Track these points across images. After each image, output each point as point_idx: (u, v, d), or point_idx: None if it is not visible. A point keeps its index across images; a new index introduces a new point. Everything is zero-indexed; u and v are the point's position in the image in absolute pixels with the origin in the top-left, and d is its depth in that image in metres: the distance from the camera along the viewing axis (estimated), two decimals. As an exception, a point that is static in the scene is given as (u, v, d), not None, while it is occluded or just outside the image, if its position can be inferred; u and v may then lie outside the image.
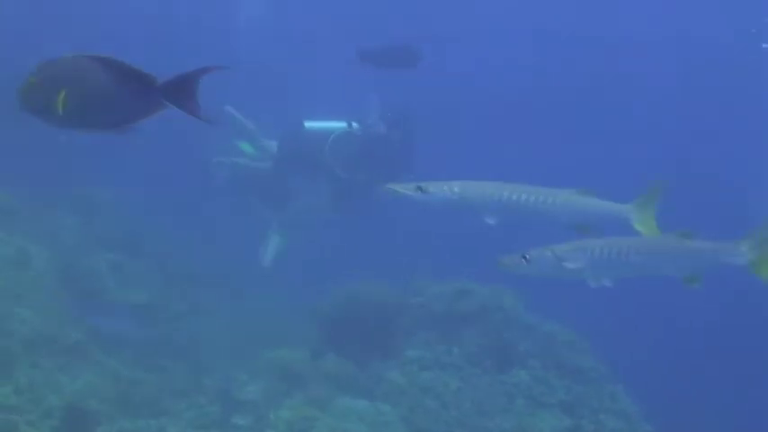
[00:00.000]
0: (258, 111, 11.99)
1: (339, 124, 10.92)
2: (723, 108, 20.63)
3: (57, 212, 10.99)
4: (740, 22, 18.33)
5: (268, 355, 9.34)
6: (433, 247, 13.57)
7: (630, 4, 21.46)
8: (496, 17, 21.17)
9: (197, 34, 18.60)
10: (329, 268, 12.24)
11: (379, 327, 9.81)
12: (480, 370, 9.53)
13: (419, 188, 6.02)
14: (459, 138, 17.83)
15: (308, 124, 10.98)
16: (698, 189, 15.71)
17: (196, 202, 12.52)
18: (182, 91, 3.50)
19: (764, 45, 11.93)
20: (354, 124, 10.81)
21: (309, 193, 11.38)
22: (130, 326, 9.20)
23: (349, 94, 11.33)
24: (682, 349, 13.52)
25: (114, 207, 11.75)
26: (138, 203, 12.25)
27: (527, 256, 5.47)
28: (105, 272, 10.04)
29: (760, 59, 18.48)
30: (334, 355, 9.19)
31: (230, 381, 9.16)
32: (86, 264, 9.98)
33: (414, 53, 10.16)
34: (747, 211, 12.88)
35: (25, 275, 9.07)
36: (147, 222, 12.18)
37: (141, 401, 8.44)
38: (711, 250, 5.60)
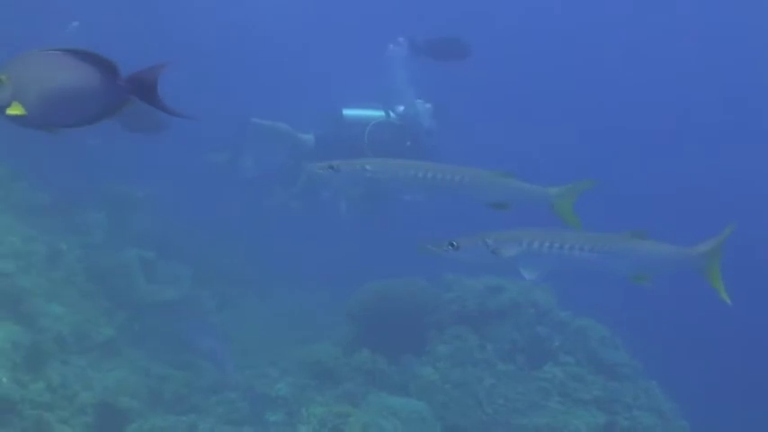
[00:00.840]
0: (296, 103, 11.98)
1: (377, 113, 10.97)
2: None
3: (88, 210, 10.98)
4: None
5: (299, 350, 9.30)
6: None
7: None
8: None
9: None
10: (358, 264, 12.20)
11: (410, 322, 9.75)
12: (513, 366, 9.45)
13: (332, 167, 5.90)
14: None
15: (347, 112, 11.03)
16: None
17: (226, 198, 12.50)
18: (146, 85, 3.42)
19: None
20: (392, 114, 10.88)
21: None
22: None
23: (386, 85, 11.35)
24: (717, 344, 13.39)
25: (145, 204, 11.73)
26: (168, 201, 12.25)
27: (455, 243, 5.32)
28: (136, 269, 10.01)
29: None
30: (367, 350, 9.11)
31: (261, 377, 9.13)
32: (117, 261, 9.97)
33: (464, 46, 10.10)
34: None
35: (57, 273, 9.08)
36: (178, 219, 12.17)
37: (172, 398, 8.44)
38: (666, 254, 5.49)
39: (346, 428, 7.44)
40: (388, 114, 10.91)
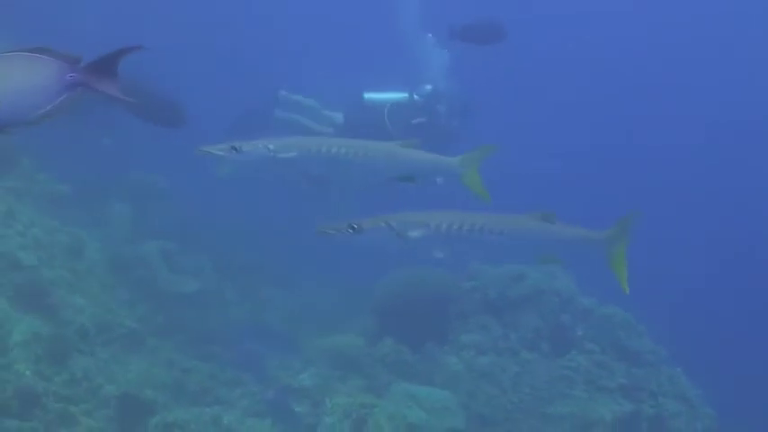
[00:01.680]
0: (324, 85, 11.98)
1: (400, 95, 11.03)
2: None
3: (110, 201, 10.98)
4: None
5: (322, 341, 9.27)
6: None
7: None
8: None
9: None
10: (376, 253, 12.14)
11: (433, 311, 9.72)
12: (537, 354, 9.40)
13: (233, 148, 5.78)
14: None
15: (368, 95, 11.10)
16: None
17: (249, 191, 12.48)
18: (103, 73, 3.35)
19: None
20: (416, 96, 10.92)
21: None
22: None
23: (412, 69, 11.43)
24: (742, 330, 13.31)
25: (167, 196, 11.72)
26: (190, 192, 12.23)
27: (355, 226, 5.10)
28: (158, 260, 10.00)
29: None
30: (390, 340, 9.07)
31: (284, 368, 9.10)
32: (139, 252, 9.96)
33: (499, 29, 10.02)
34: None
35: (79, 264, 9.06)
36: (200, 211, 12.15)
37: (195, 390, 8.41)
38: (572, 237, 5.43)
39: (371, 419, 7.40)
40: (411, 96, 10.94)
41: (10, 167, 9.61)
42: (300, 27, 19.01)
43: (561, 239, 5.40)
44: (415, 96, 10.95)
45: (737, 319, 13.51)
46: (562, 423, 8.58)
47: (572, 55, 21.26)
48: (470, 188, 5.90)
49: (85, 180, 10.87)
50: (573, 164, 18.88)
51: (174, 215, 11.58)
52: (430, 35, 11.42)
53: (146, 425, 7.18)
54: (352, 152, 5.80)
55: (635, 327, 9.86)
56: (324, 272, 11.81)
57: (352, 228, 5.05)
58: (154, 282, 9.83)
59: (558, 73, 21.03)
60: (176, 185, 12.04)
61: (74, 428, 6.83)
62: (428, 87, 10.91)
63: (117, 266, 9.66)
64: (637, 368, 9.50)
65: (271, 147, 5.79)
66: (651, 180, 19.20)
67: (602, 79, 21.82)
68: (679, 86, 21.79)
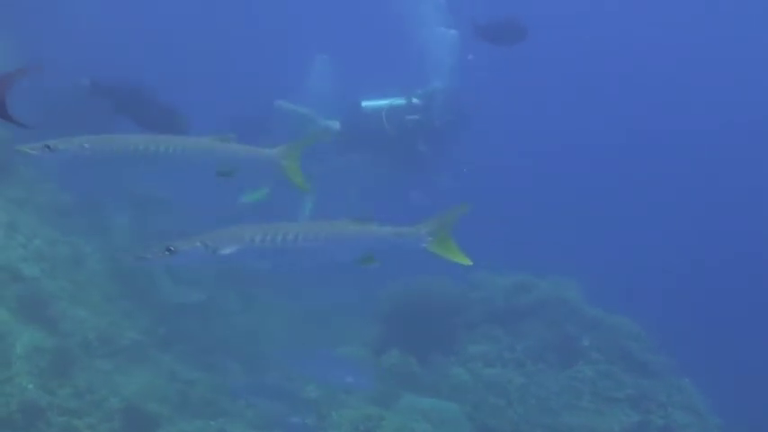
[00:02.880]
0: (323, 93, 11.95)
1: (398, 101, 11.05)
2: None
3: (111, 211, 10.89)
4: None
5: (328, 352, 9.18)
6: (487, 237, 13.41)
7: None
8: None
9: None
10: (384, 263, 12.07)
11: (439, 322, 9.65)
12: (544, 365, 9.33)
13: (47, 147, 5.62)
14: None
15: (366, 103, 11.15)
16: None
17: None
18: None
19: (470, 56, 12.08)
20: (415, 99, 10.94)
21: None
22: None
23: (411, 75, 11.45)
24: (751, 340, 13.23)
25: (168, 205, 11.63)
26: (190, 201, 12.14)
27: (171, 248, 4.96)
28: (159, 271, 9.91)
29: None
30: (397, 351, 8.99)
31: (290, 379, 9.01)
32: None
33: (521, 29, 9.94)
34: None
35: (80, 275, 8.97)
36: (201, 220, 12.05)
37: (199, 402, 8.31)
38: (390, 235, 5.38)
39: (378, 432, 7.33)
40: (409, 100, 10.96)
41: (11, 177, 9.52)
42: (299, 31, 18.92)
43: (380, 239, 5.34)
44: (414, 100, 10.97)
45: (743, 326, 13.44)
46: (570, 435, 8.50)
47: (577, 54, 21.22)
48: (291, 180, 5.77)
49: (88, 190, 10.78)
50: (575, 163, 18.83)
51: (175, 225, 11.48)
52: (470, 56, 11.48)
53: (150, 438, 7.12)
54: (170, 150, 5.60)
55: (642, 337, 9.79)
56: (327, 280, 11.72)
57: (168, 250, 4.97)
58: (156, 292, 9.74)
59: (566, 71, 20.97)
60: (177, 195, 11.94)
61: (77, 442, 6.77)
62: (436, 84, 10.93)
63: (119, 277, 9.56)
64: (644, 378, 9.43)
65: (87, 146, 5.59)
66: (652, 181, 19.20)
67: (603, 79, 21.81)
68: (680, 86, 21.76)
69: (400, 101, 11.05)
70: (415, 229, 5.32)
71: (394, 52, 12.72)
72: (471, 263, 5.27)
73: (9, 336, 7.06)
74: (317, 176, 11.25)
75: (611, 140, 20.22)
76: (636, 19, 22.60)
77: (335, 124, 11.40)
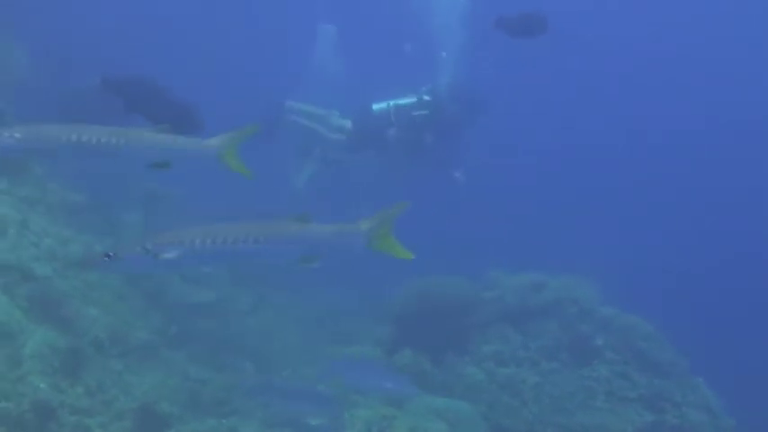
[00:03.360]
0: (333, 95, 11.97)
1: (408, 100, 11.17)
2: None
3: (122, 209, 10.86)
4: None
5: (339, 351, 9.14)
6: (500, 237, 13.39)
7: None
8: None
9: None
10: (389, 261, 12.04)
11: (452, 321, 9.60)
12: (558, 364, 9.29)
13: None
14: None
15: (377, 107, 11.25)
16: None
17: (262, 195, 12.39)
18: None
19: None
20: (426, 97, 11.06)
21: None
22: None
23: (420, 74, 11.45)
24: (765, 339, 13.17)
25: (180, 203, 11.60)
26: (203, 199, 12.10)
27: (111, 254, 4.98)
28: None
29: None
30: (409, 350, 8.94)
31: (301, 379, 8.97)
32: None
33: (542, 22, 9.87)
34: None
35: (92, 275, 8.92)
36: (214, 218, 12.01)
37: (211, 401, 8.27)
38: (330, 233, 5.33)
39: (391, 431, 7.27)
40: (420, 97, 11.06)
41: (23, 176, 9.49)
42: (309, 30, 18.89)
43: (321, 238, 5.31)
44: (425, 97, 11.06)
45: (757, 326, 13.37)
46: (585, 435, 8.45)
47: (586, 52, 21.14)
48: (232, 170, 5.71)
49: (99, 188, 10.75)
50: (587, 162, 18.77)
51: (187, 223, 11.44)
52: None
53: (162, 437, 7.08)
54: (104, 140, 5.49)
55: (656, 336, 9.74)
56: (339, 278, 11.69)
57: (108, 256, 4.93)
58: (167, 292, 9.70)
59: (575, 68, 20.90)
60: (190, 193, 11.91)
61: (89, 442, 6.74)
62: (442, 79, 10.97)
63: (130, 276, 9.52)
64: (658, 378, 9.39)
65: (18, 135, 5.49)
66: (666, 179, 19.13)
67: (611, 77, 21.74)
68: (683, 86, 21.69)
69: (409, 99, 11.12)
70: (354, 227, 5.29)
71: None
72: (413, 256, 5.23)
73: (21, 335, 7.02)
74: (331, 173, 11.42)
75: (622, 139, 20.15)
76: (644, 16, 22.52)
77: (347, 123, 11.43)
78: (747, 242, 17.05)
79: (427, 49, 11.95)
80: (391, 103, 11.18)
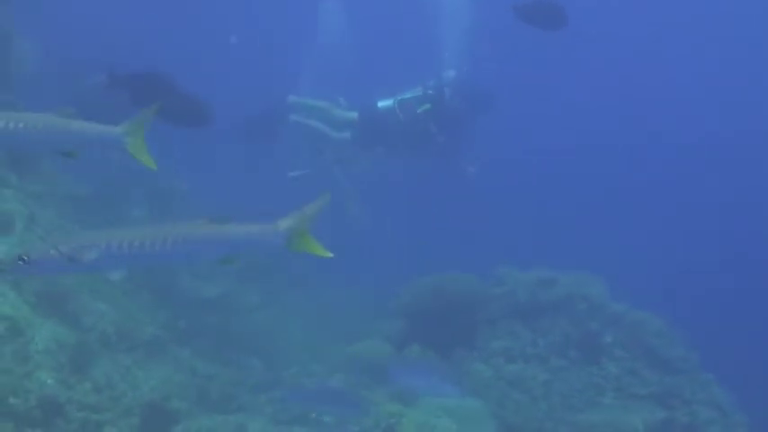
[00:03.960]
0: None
1: (413, 94, 11.22)
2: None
3: (130, 203, 10.84)
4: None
5: (348, 347, 9.10)
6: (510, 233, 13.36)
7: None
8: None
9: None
10: (397, 256, 12.06)
11: (461, 317, 9.56)
12: (567, 361, 9.24)
13: None
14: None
15: (382, 103, 11.26)
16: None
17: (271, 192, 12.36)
18: None
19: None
20: (430, 91, 11.06)
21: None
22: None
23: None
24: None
25: (187, 197, 11.58)
26: (211, 193, 12.09)
27: (25, 258, 4.84)
28: (177, 265, 9.85)
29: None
30: (417, 346, 8.90)
31: (309, 375, 8.94)
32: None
33: (562, 15, 9.78)
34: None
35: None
36: (221, 212, 11.98)
37: (219, 397, 8.26)
38: (247, 234, 5.27)
39: (400, 428, 7.23)
40: (425, 91, 11.07)
41: (30, 170, 9.46)
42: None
43: (236, 239, 5.25)
44: (430, 92, 11.05)
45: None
46: (594, 432, 8.39)
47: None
48: (135, 157, 5.62)
49: (107, 181, 10.73)
50: (596, 159, 18.71)
51: (195, 217, 11.40)
52: None
53: (170, 433, 7.05)
54: (8, 125, 5.44)
55: (667, 333, 9.69)
56: (347, 273, 11.66)
57: (21, 259, 4.85)
58: (175, 287, 9.68)
59: (584, 66, 20.84)
60: (197, 187, 11.89)
61: (97, 438, 6.71)
62: (449, 73, 10.93)
63: (137, 271, 9.50)
64: (668, 375, 9.33)
65: None
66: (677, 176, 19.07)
67: (619, 76, 21.67)
68: (696, 83, 21.61)
69: (415, 93, 11.15)
70: (272, 226, 5.22)
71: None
72: (332, 255, 5.16)
73: (29, 330, 6.99)
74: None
75: (632, 136, 20.08)
76: (658, 10, 22.42)
77: (354, 114, 11.41)
78: (760, 238, 16.97)
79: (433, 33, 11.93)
80: (398, 97, 11.20)
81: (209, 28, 18.91)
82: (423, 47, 12.51)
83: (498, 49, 11.84)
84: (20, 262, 4.86)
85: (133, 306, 8.89)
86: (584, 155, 18.50)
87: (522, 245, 12.33)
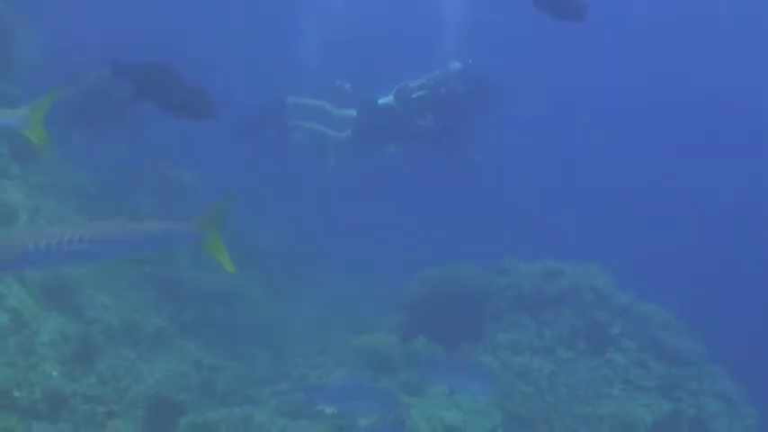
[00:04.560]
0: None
1: (416, 82, 11.09)
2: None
3: (134, 195, 10.82)
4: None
5: (354, 339, 9.06)
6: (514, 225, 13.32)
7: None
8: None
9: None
10: (403, 248, 12.03)
11: (466, 309, 9.51)
12: (574, 353, 9.18)
13: None
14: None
15: (383, 101, 11.14)
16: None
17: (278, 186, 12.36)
18: None
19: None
20: (431, 82, 10.97)
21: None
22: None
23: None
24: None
25: (193, 189, 11.55)
26: (215, 186, 12.06)
27: None
28: (182, 257, 9.83)
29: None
30: (423, 339, 8.86)
31: (315, 367, 8.91)
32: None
33: (582, 6, 9.70)
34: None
35: (105, 262, 8.87)
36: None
37: (225, 390, 8.22)
38: (165, 231, 5.21)
39: (407, 420, 7.19)
40: (428, 80, 10.98)
41: (34, 162, 9.44)
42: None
43: (151, 237, 5.19)
44: (431, 82, 10.98)
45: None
46: (601, 424, 8.33)
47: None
48: (32, 140, 5.51)
49: (112, 173, 10.72)
50: (606, 152, 18.69)
51: (199, 210, 11.37)
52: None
53: (175, 426, 7.01)
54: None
55: (675, 324, 9.62)
56: (352, 266, 11.64)
57: None
58: (180, 279, 9.64)
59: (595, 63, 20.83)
60: (202, 179, 11.87)
61: (102, 430, 6.68)
62: (455, 65, 10.88)
63: (142, 264, 9.47)
64: (676, 367, 9.26)
65: None
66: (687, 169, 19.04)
67: (628, 75, 21.65)
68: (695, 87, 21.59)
69: (417, 81, 11.03)
70: (186, 225, 5.18)
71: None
72: (234, 271, 5.09)
73: (34, 322, 6.98)
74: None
75: (642, 131, 20.07)
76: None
77: (352, 112, 11.37)
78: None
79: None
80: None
81: (211, 21, 18.96)
82: (423, 44, 12.45)
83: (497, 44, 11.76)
84: None
85: (138, 299, 8.88)
86: (591, 150, 18.50)
87: (527, 237, 12.29)
